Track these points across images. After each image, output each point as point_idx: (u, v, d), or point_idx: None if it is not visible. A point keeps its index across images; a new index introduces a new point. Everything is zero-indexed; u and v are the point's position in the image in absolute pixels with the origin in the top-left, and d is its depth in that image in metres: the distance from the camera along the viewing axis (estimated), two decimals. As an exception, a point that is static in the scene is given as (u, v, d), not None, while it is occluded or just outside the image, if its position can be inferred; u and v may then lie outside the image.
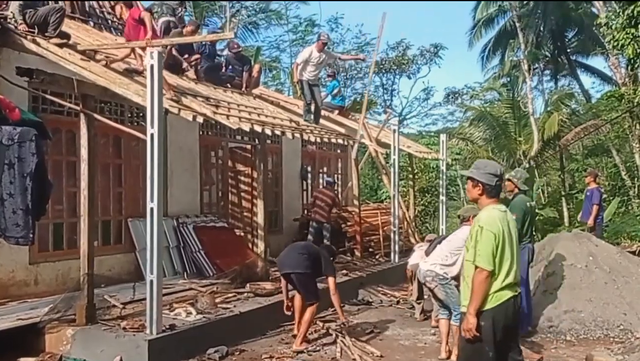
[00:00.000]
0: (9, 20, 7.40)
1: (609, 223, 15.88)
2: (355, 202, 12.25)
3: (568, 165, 23.72)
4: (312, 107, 10.65)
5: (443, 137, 14.67)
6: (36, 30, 7.46)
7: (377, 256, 12.03)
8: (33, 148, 3.66)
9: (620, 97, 17.34)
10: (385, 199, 18.46)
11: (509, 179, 7.43)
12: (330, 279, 6.96)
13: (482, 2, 27.24)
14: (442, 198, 14.23)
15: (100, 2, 11.53)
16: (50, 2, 8.71)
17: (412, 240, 12.19)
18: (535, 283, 8.37)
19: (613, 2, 12.94)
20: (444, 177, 14.47)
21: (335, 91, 13.80)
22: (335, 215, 12.28)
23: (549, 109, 22.97)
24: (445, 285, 6.27)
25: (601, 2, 16.36)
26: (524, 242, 7.19)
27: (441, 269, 6.31)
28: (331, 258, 7.32)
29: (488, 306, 3.91)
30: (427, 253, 6.84)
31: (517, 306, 4.04)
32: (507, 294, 3.93)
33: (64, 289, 7.20)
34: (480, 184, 4.05)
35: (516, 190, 7.43)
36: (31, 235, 3.69)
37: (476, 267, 3.88)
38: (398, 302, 9.55)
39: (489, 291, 3.89)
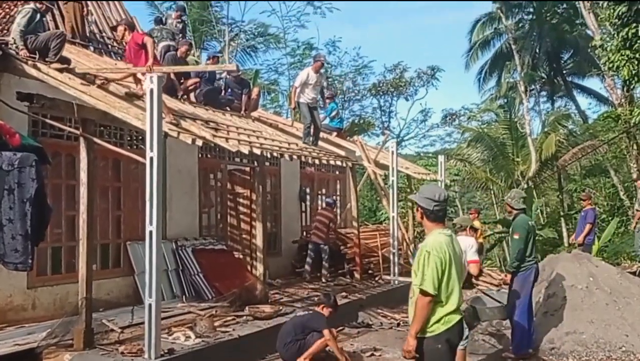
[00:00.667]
0: (10, 45, 7.47)
1: (609, 243, 15.88)
2: (354, 223, 12.24)
3: (566, 185, 23.78)
4: (312, 130, 10.67)
5: (441, 158, 14.72)
6: (37, 56, 7.52)
7: (376, 278, 11.97)
8: (33, 174, 3.67)
9: (616, 117, 17.48)
10: (384, 220, 18.45)
11: (507, 203, 7.52)
12: (325, 332, 6.73)
13: (478, 25, 27.59)
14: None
15: (101, 27, 11.65)
16: (47, 23, 8.80)
17: (412, 261, 12.14)
18: (536, 305, 8.33)
19: (607, 24, 13.09)
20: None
21: (334, 113, 13.88)
22: (333, 237, 12.26)
23: (546, 129, 23.11)
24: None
25: (596, 25, 16.56)
26: (529, 262, 7.22)
27: None
28: (331, 310, 7.14)
29: (443, 328, 3.93)
30: None
31: (461, 329, 4.11)
32: (456, 317, 3.98)
33: (62, 314, 7.15)
34: (420, 208, 4.08)
35: (514, 211, 7.47)
36: (30, 261, 3.68)
37: (421, 291, 3.89)
38: (398, 324, 9.48)
39: (441, 315, 3.93)
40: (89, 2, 10.80)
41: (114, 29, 9.48)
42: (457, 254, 4.06)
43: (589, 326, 7.65)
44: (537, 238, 7.46)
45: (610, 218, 17.63)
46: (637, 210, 12.51)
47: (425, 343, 3.92)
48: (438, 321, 3.92)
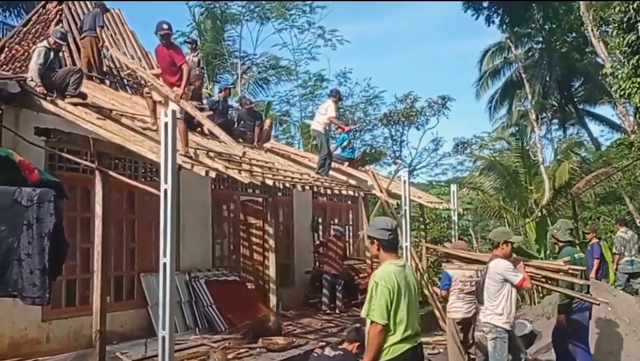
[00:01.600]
0: (28, 82, 7.66)
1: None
2: (367, 253, 12.19)
3: (581, 213, 23.54)
4: (328, 161, 10.77)
5: (454, 187, 14.68)
6: (55, 94, 7.69)
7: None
8: (51, 209, 3.73)
9: (630, 145, 17.35)
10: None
11: (552, 235, 7.12)
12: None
13: (488, 55, 27.79)
14: (453, 242, 14.11)
15: (116, 62, 11.89)
16: (64, 59, 8.99)
17: (426, 291, 12.02)
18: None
19: (617, 52, 13.13)
20: (456, 227, 14.39)
21: (345, 143, 13.97)
22: (346, 267, 12.20)
23: (558, 157, 23.02)
24: (498, 340, 5.99)
25: (605, 53, 16.61)
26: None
27: (499, 320, 6.05)
28: (359, 344, 6.34)
29: (389, 357, 3.98)
30: (479, 300, 6.59)
31: (417, 357, 4.13)
32: (405, 346, 4.00)
33: (76, 347, 7.17)
34: (376, 241, 4.15)
35: (560, 243, 6.98)
36: (47, 295, 3.71)
37: (371, 321, 3.96)
38: (413, 356, 9.34)
39: (388, 344, 3.98)
40: (104, 37, 11.04)
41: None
42: (410, 283, 4.13)
43: (609, 357, 7.50)
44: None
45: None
46: (615, 253, 12.52)
47: None
48: (384, 351, 3.99)
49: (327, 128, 10.96)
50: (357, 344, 6.17)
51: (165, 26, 8.01)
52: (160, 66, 8.36)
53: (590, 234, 12.01)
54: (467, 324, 7.42)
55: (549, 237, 7.16)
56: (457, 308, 7.40)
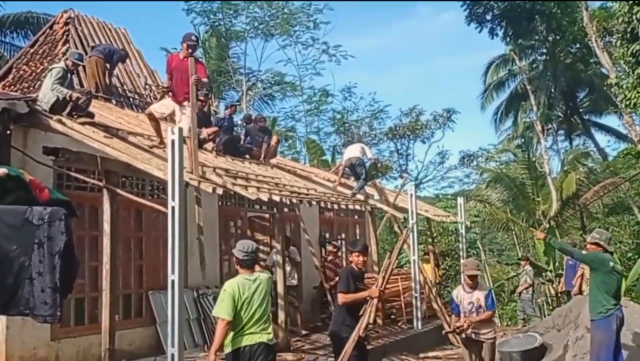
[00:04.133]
0: (38, 103, 7.73)
1: (636, 282, 15.50)
2: (375, 268, 12.14)
3: (589, 224, 23.39)
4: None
5: (460, 200, 14.65)
6: (67, 112, 7.76)
7: (399, 323, 11.78)
8: (62, 227, 3.76)
9: (637, 154, 17.31)
10: (405, 264, 18.28)
11: (596, 243, 6.78)
12: None
13: (492, 67, 27.86)
14: (463, 261, 14.06)
15: (122, 81, 12.00)
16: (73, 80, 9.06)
17: (434, 305, 11.96)
18: (564, 348, 8.12)
19: (622, 62, 13.15)
20: (464, 240, 14.35)
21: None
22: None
23: (565, 168, 22.94)
24: None
25: (610, 63, 16.64)
26: (610, 308, 6.55)
27: None
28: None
29: (226, 350, 5.01)
30: None
31: (257, 351, 4.98)
32: (243, 340, 4.97)
33: (84, 366, 7.16)
34: (235, 258, 5.27)
35: (600, 250, 6.78)
36: (58, 313, 3.74)
37: (219, 317, 4.98)
38: (423, 371, 9.29)
39: (229, 339, 4.97)
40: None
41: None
42: (258, 293, 5.10)
43: (621, 369, 7.40)
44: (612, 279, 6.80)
45: (636, 257, 17.24)
46: (526, 281, 13.36)
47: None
48: (226, 344, 4.99)
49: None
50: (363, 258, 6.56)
51: (194, 37, 8.03)
52: (174, 76, 8.10)
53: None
54: (473, 343, 7.26)
55: (589, 245, 6.92)
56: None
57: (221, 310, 4.95)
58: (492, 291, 7.49)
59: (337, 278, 11.13)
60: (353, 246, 6.84)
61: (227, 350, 5.00)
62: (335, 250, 11.72)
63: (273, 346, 5.21)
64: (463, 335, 7.15)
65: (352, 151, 12.19)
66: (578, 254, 7.25)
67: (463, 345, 7.43)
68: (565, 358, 7.82)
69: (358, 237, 15.38)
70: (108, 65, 11.04)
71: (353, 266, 6.52)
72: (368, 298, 6.31)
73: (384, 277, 6.72)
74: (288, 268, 10.26)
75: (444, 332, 8.06)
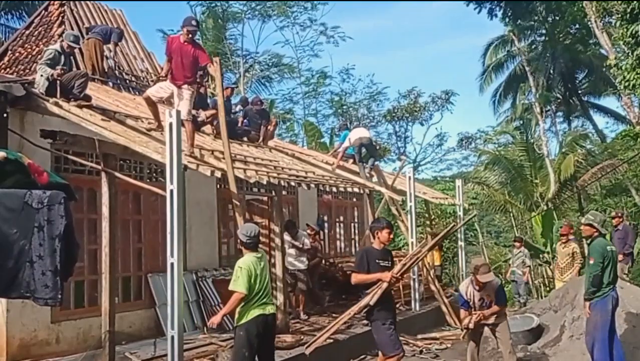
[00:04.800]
0: (36, 85, 7.68)
1: (633, 264, 15.60)
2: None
3: (587, 206, 23.47)
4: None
5: (458, 182, 14.68)
6: (58, 93, 7.72)
7: (397, 305, 11.84)
8: (62, 211, 3.78)
9: (635, 136, 17.29)
10: (403, 246, 18.35)
11: (589, 224, 6.94)
12: None
13: (491, 48, 27.70)
14: (461, 243, 14.14)
15: (117, 62, 11.91)
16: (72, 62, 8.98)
17: (432, 287, 12.04)
18: (560, 329, 8.20)
19: (621, 43, 13.07)
20: (462, 222, 14.39)
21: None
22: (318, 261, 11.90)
23: (563, 150, 22.94)
24: None
25: (609, 44, 16.54)
26: (606, 289, 6.69)
27: None
28: None
29: (243, 321, 5.67)
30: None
31: (268, 322, 5.77)
32: (257, 312, 5.67)
33: (85, 348, 7.21)
34: (240, 241, 5.89)
35: (595, 234, 6.94)
36: (59, 296, 3.77)
37: (235, 291, 5.64)
38: (421, 351, 9.37)
39: (244, 311, 5.67)
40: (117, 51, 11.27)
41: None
42: (263, 269, 5.79)
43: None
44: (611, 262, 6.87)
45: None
46: (524, 262, 13.46)
47: (236, 332, 5.77)
48: (240, 316, 5.69)
49: None
50: (384, 230, 6.31)
51: (194, 22, 7.94)
52: (173, 58, 7.95)
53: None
54: (478, 332, 7.29)
55: (584, 226, 6.95)
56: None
57: (239, 285, 5.59)
58: (502, 284, 7.34)
59: (314, 260, 11.16)
60: (377, 223, 6.59)
61: (244, 320, 5.65)
62: (313, 233, 11.53)
63: (274, 317, 5.97)
64: (471, 326, 7.08)
65: (362, 132, 12.25)
66: (594, 269, 6.76)
67: (471, 338, 7.29)
68: (562, 339, 7.91)
69: (356, 219, 15.43)
70: (108, 46, 10.97)
71: (373, 245, 6.38)
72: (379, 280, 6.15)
73: (403, 264, 6.60)
74: (293, 251, 10.30)
75: (462, 337, 7.81)
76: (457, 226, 7.83)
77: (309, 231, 11.19)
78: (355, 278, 6.31)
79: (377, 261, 6.23)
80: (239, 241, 5.95)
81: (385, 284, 6.13)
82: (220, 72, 8.08)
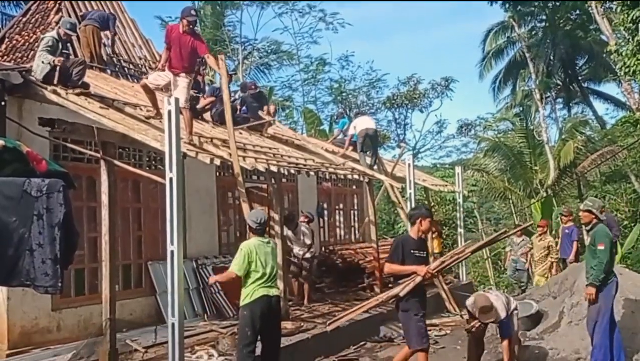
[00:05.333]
0: (33, 73, 7.64)
1: (632, 250, 15.66)
2: (373, 237, 12.22)
3: (586, 192, 23.50)
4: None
5: (458, 169, 14.67)
6: (56, 79, 7.68)
7: (397, 292, 11.87)
8: (61, 199, 3.77)
9: (635, 122, 17.27)
10: (403, 233, 18.39)
11: (588, 210, 6.92)
12: None
13: (491, 35, 27.55)
14: (460, 230, 14.16)
15: (117, 51, 11.84)
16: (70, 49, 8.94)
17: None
18: (559, 315, 8.23)
19: (622, 29, 13.00)
20: (461, 209, 14.41)
21: (346, 127, 13.92)
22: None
23: (563, 137, 22.92)
24: None
25: (610, 30, 16.45)
26: (611, 276, 6.73)
27: None
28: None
29: (248, 301, 5.91)
30: None
31: (272, 304, 5.99)
32: (261, 292, 5.90)
33: (86, 335, 7.24)
34: (249, 226, 6.24)
35: (594, 220, 6.94)
36: (59, 284, 3.78)
37: (232, 270, 5.99)
38: (421, 338, 9.40)
39: (247, 292, 5.93)
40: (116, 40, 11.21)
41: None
42: (268, 252, 6.06)
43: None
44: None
45: (632, 225, 17.37)
46: (507, 251, 13.52)
47: (240, 311, 6.03)
48: (245, 296, 5.94)
49: None
50: (427, 219, 6.06)
51: (193, 13, 7.92)
52: (172, 47, 7.95)
53: (567, 218, 12.22)
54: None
55: (583, 212, 6.94)
56: None
57: (233, 265, 5.96)
58: (510, 313, 6.92)
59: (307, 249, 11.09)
60: (419, 210, 6.22)
61: (248, 300, 5.89)
62: (306, 220, 11.48)
63: (278, 299, 6.17)
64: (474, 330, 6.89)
65: (368, 122, 12.18)
66: (605, 255, 6.70)
67: (472, 337, 7.13)
68: (561, 325, 7.94)
69: (356, 207, 15.44)
70: (106, 33, 10.89)
71: (410, 234, 6.10)
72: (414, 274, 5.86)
73: (442, 261, 6.41)
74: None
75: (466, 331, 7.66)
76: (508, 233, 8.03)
77: (302, 218, 11.15)
78: (389, 268, 6.00)
79: (412, 251, 5.92)
80: (247, 226, 6.33)
81: (419, 278, 5.83)
82: (225, 69, 8.09)
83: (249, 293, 5.91)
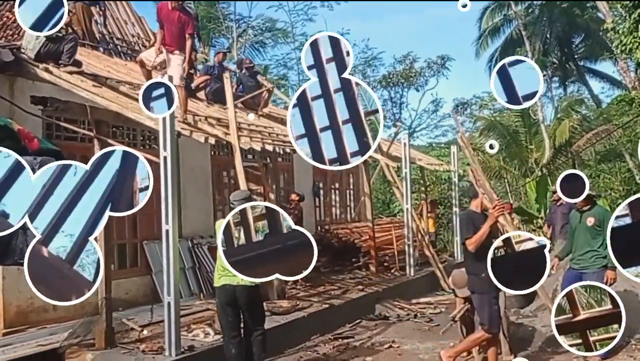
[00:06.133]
0: (22, 50, 7.54)
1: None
2: (369, 216, 12.24)
3: (581, 171, 23.57)
4: None
5: (454, 148, 14.66)
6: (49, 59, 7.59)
7: (392, 270, 11.97)
8: (53, 177, 3.76)
9: (630, 101, 17.23)
10: (398, 213, 18.43)
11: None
12: None
13: (487, 12, 27.35)
14: (455, 209, 14.19)
15: (110, 29, 11.70)
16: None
17: (427, 252, 12.12)
18: (552, 292, 8.27)
19: (619, 6, 12.91)
20: (457, 188, 14.42)
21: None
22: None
23: (559, 116, 22.88)
24: None
25: (607, 7, 16.35)
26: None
27: None
28: None
29: (215, 286, 5.79)
30: None
31: (234, 292, 5.58)
32: (222, 281, 5.63)
33: (82, 314, 7.24)
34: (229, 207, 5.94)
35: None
36: (53, 263, 3.78)
37: None
38: (416, 316, 9.49)
39: (216, 277, 5.72)
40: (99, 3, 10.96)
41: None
42: None
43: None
44: None
45: (627, 203, 17.42)
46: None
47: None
48: (217, 279, 5.75)
49: None
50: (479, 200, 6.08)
51: None
52: (163, 25, 7.96)
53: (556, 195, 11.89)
54: None
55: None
56: None
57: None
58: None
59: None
60: (472, 192, 6.31)
61: (215, 285, 5.79)
62: (297, 199, 11.47)
63: (254, 288, 5.68)
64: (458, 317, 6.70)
65: None
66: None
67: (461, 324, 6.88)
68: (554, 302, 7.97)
69: (352, 186, 15.44)
70: (97, 10, 10.75)
71: (472, 208, 6.03)
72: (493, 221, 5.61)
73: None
74: None
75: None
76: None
77: (293, 196, 11.09)
78: (473, 242, 5.55)
79: (476, 225, 5.68)
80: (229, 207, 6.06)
81: (502, 212, 5.75)
82: (189, 58, 8.01)
83: (215, 279, 5.78)
